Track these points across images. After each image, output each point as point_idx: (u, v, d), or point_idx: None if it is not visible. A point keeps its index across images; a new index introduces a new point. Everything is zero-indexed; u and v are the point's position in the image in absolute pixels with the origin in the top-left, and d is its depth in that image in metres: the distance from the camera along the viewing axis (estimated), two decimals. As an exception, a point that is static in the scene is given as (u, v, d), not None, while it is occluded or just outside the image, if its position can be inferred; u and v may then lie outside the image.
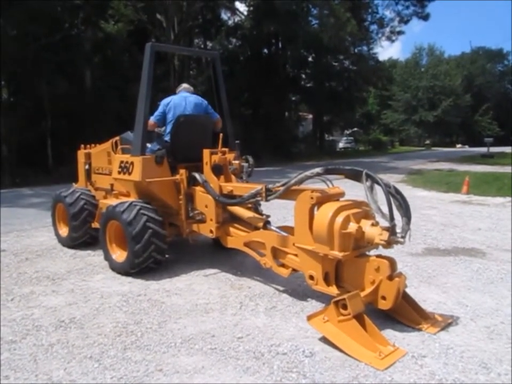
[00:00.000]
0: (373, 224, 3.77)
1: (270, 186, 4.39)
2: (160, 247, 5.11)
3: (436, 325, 3.80)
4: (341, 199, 4.15)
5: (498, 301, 4.43)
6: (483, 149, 34.95)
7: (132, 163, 5.36)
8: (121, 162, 5.57)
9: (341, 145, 42.35)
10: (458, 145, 54.09)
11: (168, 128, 5.56)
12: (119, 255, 5.29)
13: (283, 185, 4.21)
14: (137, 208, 5.06)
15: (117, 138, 6.26)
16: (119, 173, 5.59)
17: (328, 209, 3.79)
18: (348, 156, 33.15)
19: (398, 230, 3.67)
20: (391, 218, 3.56)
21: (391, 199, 3.59)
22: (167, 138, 5.52)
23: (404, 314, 3.84)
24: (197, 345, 3.49)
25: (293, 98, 33.27)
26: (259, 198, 4.52)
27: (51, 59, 18.76)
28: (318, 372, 3.10)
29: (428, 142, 51.49)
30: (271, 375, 3.06)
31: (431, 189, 13.68)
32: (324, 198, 3.95)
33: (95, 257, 5.99)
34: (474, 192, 12.38)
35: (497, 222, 8.39)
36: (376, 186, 3.75)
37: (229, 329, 3.78)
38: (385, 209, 3.67)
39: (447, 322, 3.87)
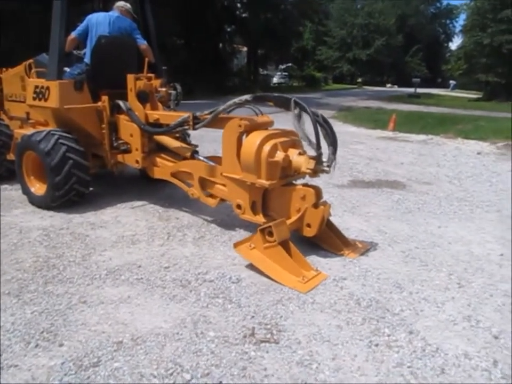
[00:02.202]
0: (300, 153, 3.78)
1: (198, 114, 4.23)
2: (83, 179, 4.86)
3: (357, 250, 4.00)
4: (269, 128, 4.11)
5: (414, 228, 4.72)
6: (411, 90, 36.18)
7: (48, 88, 4.93)
8: (36, 87, 5.11)
9: (275, 80, 41.94)
10: (388, 85, 55.56)
11: (89, 47, 5.11)
12: (38, 188, 4.99)
13: (211, 112, 4.07)
14: (55, 138, 4.72)
15: (31, 61, 5.70)
16: (34, 99, 5.15)
17: (255, 137, 3.73)
18: (282, 91, 32.61)
19: (324, 159, 3.71)
20: (318, 147, 3.58)
21: (319, 128, 3.58)
22: (87, 60, 5.09)
23: (327, 241, 3.98)
24: (122, 276, 3.43)
25: (228, 30, 32.01)
26: (186, 127, 4.36)
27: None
28: (243, 297, 3.17)
29: (359, 80, 52.34)
30: (198, 301, 3.09)
31: (360, 125, 14.04)
32: (252, 127, 3.88)
33: (12, 191, 5.60)
34: (400, 130, 12.87)
35: (419, 157, 8.83)
36: (305, 116, 3.72)
37: (156, 259, 3.74)
38: (312, 138, 3.67)
39: (366, 248, 4.08)
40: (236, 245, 3.61)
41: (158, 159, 4.88)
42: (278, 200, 3.92)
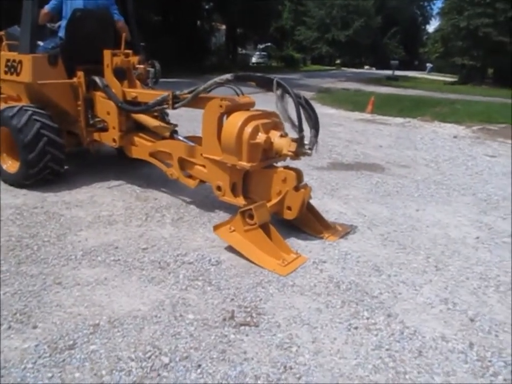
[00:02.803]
0: (281, 136, 3.73)
1: (178, 93, 4.12)
2: (57, 157, 4.71)
3: (336, 233, 4.00)
4: (251, 109, 4.04)
5: (392, 211, 4.76)
6: (389, 72, 36.30)
7: (21, 62, 4.73)
8: (8, 60, 4.90)
9: (254, 60, 41.38)
10: (366, 67, 55.67)
11: (64, 20, 4.90)
12: (11, 165, 4.82)
13: (191, 92, 3.96)
14: (28, 114, 4.55)
15: (2, 33, 5.46)
16: (6, 73, 4.94)
17: (237, 118, 3.66)
18: (261, 72, 32.43)
19: (306, 142, 3.67)
20: (300, 129, 3.54)
21: (301, 110, 3.54)
22: (61, 34, 4.89)
23: (307, 224, 3.98)
24: (99, 257, 3.35)
25: (206, 7, 31.30)
26: (165, 106, 4.24)
27: None
28: (223, 279, 3.15)
29: (338, 62, 52.23)
30: (177, 284, 3.05)
31: (339, 107, 14.02)
32: (234, 107, 3.80)
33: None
34: (378, 112, 12.92)
35: (396, 140, 8.89)
36: (287, 97, 3.66)
37: (134, 240, 3.67)
38: (295, 120, 3.63)
39: (346, 231, 4.10)
40: (215, 228, 3.57)
41: (136, 138, 4.76)
42: (259, 182, 3.88)
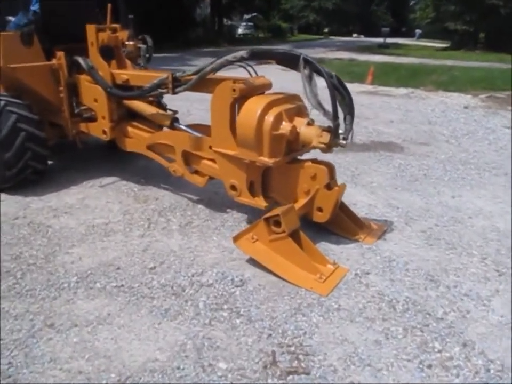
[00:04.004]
0: (309, 124, 3.10)
1: (179, 74, 3.45)
2: (39, 153, 4.05)
3: (372, 234, 3.44)
4: (267, 91, 3.39)
5: (427, 200, 4.20)
6: (378, 39, 35.36)
7: (-13, 42, 3.99)
8: (-28, 41, 4.15)
9: (240, 31, 39.90)
10: (355, 35, 54.18)
11: None
12: (-15, 167, 4.14)
13: (196, 73, 3.29)
14: (1, 104, 3.88)
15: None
16: (-29, 56, 4.19)
17: (255, 105, 3.01)
18: (248, 43, 31.41)
19: (340, 130, 3.04)
20: (335, 117, 2.90)
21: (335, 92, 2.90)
22: (34, 7, 4.15)
23: (339, 224, 3.39)
24: (97, 283, 2.75)
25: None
26: (164, 90, 3.57)
27: None
28: (253, 306, 2.57)
29: (326, 30, 50.77)
30: (198, 316, 2.46)
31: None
32: (249, 91, 3.15)
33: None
34: (377, 83, 12.24)
35: (407, 114, 8.27)
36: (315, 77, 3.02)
37: (137, 256, 3.06)
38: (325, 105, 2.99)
39: (383, 230, 3.53)
40: (236, 239, 2.97)
41: (130, 129, 4.09)
42: (282, 179, 3.27)
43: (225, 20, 36.99)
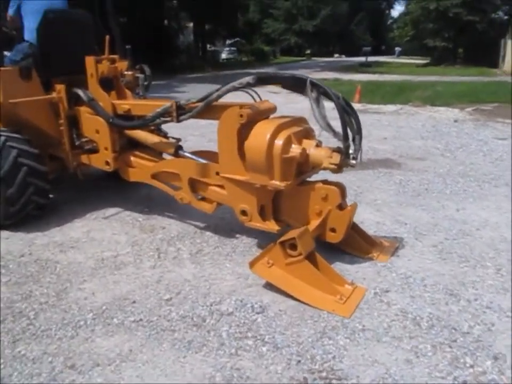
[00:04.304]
0: (317, 145, 3.11)
1: (182, 102, 3.45)
2: (42, 188, 3.98)
3: (385, 251, 3.42)
4: (272, 115, 3.41)
5: (433, 215, 4.21)
6: (359, 59, 36.15)
7: (-15, 79, 3.97)
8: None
9: (223, 56, 40.44)
10: (336, 55, 55.23)
11: (28, 23, 4.17)
12: (-14, 204, 4.06)
13: (201, 100, 3.29)
14: (2, 140, 3.82)
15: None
16: (-32, 94, 4.16)
17: (264, 129, 3.02)
18: (232, 67, 31.85)
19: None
20: (345, 138, 2.92)
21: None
22: (27, 37, 4.15)
23: (352, 244, 3.37)
24: (115, 318, 2.67)
25: (172, 5, 30.27)
26: (168, 118, 3.57)
27: None
28: (277, 333, 2.52)
29: (308, 52, 51.68)
30: (223, 347, 2.40)
31: (324, 99, 13.41)
32: (256, 115, 3.16)
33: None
34: (364, 101, 12.42)
35: (399, 130, 8.38)
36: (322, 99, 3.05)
37: (152, 289, 3.00)
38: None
39: (395, 246, 3.52)
40: (252, 264, 2.94)
41: (133, 159, 4.06)
42: (293, 202, 3.25)
43: (208, 46, 37.48)
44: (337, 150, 2.99)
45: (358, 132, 3.03)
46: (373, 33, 61.71)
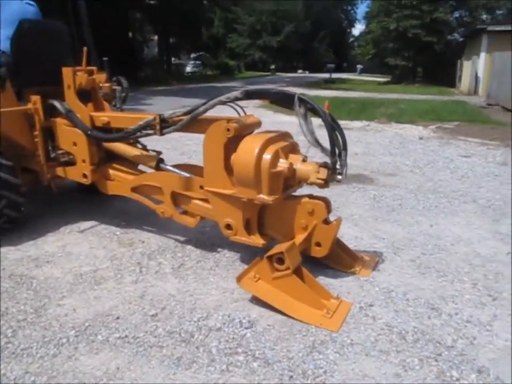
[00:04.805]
0: (303, 160, 3.16)
1: (166, 115, 3.43)
2: (14, 201, 3.85)
3: (367, 266, 3.48)
4: (257, 130, 3.44)
5: (408, 230, 4.33)
6: (322, 75, 36.99)
7: (-44, 88, 3.82)
8: None
9: (188, 69, 40.46)
10: (300, 71, 56.33)
11: (2, 32, 4.05)
12: (-46, 217, 3.88)
13: (187, 113, 3.28)
14: (-28, 152, 3.67)
15: None
16: None
17: (252, 143, 3.04)
18: (198, 81, 31.91)
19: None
20: (333, 152, 2.98)
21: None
22: (2, 47, 4.02)
23: (335, 258, 3.41)
24: (99, 335, 2.59)
25: (137, 17, 30.11)
26: (150, 131, 3.53)
27: None
28: (267, 348, 2.51)
29: (272, 67, 52.48)
30: (213, 363, 2.37)
31: (291, 114, 13.58)
32: (242, 130, 3.17)
33: None
34: (332, 116, 12.65)
35: (368, 146, 8.59)
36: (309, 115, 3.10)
37: (136, 304, 2.93)
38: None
39: (375, 261, 3.59)
40: (239, 279, 2.92)
41: (112, 171, 3.99)
42: (278, 216, 3.27)
43: (173, 59, 37.41)
44: (324, 165, 3.04)
45: (344, 147, 3.09)
46: (335, 51, 63.33)
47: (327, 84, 30.07)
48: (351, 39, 75.13)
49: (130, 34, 29.38)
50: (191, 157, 6.97)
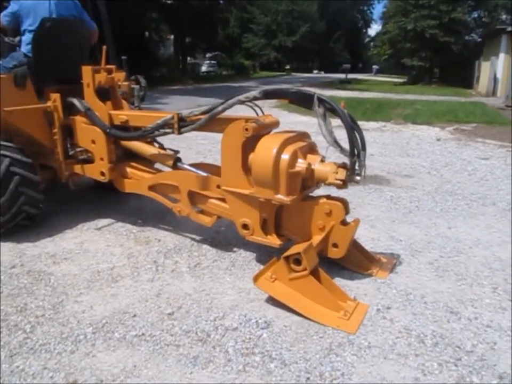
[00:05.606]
0: (322, 161, 3.13)
1: (185, 114, 3.43)
2: (33, 198, 3.89)
3: (384, 268, 3.45)
4: (275, 130, 3.42)
5: (426, 232, 4.27)
6: (338, 75, 36.81)
7: (-22, 86, 3.87)
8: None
9: (203, 69, 40.62)
10: (315, 71, 56.21)
11: (27, 38, 4.10)
12: (-27, 213, 3.93)
13: (205, 112, 3.28)
14: (-6, 149, 3.72)
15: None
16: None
17: (270, 143, 3.02)
18: (213, 80, 32.03)
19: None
20: (352, 153, 2.95)
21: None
22: (24, 50, 4.08)
23: (352, 260, 3.38)
24: (116, 333, 2.60)
25: (153, 17, 30.28)
26: (168, 130, 3.54)
27: None
28: (284, 349, 2.49)
29: (288, 67, 52.40)
30: (230, 363, 2.36)
31: (307, 114, 13.56)
32: (260, 129, 3.16)
33: None
34: (347, 117, 12.58)
35: (385, 147, 8.52)
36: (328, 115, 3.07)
37: (152, 302, 2.94)
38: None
39: (393, 263, 3.55)
40: (255, 279, 2.91)
41: (129, 170, 4.01)
42: (296, 216, 3.25)
43: (188, 58, 37.57)
44: (343, 165, 3.01)
45: (363, 148, 3.06)
46: (350, 51, 63.00)
47: (343, 84, 29.92)
48: (367, 39, 74.60)
49: (146, 33, 29.55)
50: (206, 156, 7.00)
